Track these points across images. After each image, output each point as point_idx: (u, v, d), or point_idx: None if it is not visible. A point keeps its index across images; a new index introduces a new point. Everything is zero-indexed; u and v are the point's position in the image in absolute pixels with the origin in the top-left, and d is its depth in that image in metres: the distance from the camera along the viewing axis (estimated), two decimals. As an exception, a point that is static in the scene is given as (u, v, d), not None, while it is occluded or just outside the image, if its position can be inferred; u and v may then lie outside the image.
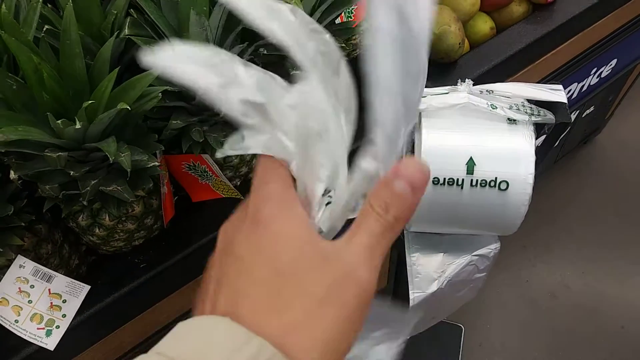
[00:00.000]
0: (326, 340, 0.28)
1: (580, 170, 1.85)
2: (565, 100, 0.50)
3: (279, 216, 0.30)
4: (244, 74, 0.34)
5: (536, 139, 0.51)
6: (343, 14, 0.80)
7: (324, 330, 0.28)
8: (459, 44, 0.87)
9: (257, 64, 0.67)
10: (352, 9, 0.80)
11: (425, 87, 0.55)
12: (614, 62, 1.37)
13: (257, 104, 0.33)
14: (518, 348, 1.48)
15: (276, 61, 0.70)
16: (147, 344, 0.80)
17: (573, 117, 1.48)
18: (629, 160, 1.86)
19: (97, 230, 0.66)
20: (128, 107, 0.51)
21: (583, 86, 1.35)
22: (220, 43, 0.63)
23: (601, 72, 1.37)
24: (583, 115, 1.53)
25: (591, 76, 1.34)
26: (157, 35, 0.63)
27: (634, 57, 1.48)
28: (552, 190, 1.79)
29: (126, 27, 0.62)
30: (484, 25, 0.99)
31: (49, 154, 0.52)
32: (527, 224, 1.64)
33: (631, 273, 1.61)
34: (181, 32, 0.63)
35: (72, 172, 0.55)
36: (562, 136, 1.52)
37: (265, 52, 0.67)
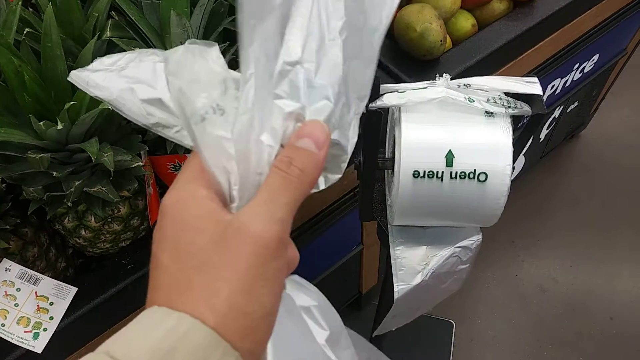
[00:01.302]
0: (231, 304, 0.28)
1: (566, 166, 1.87)
2: (540, 92, 0.51)
3: (180, 203, 0.31)
4: (154, 70, 0.35)
5: (514, 131, 0.52)
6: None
7: (227, 296, 0.28)
8: (441, 41, 0.88)
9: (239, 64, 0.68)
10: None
11: (406, 82, 0.56)
12: (596, 57, 1.38)
13: (155, 99, 0.35)
14: (509, 342, 1.49)
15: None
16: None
17: (557, 112, 1.50)
18: (614, 155, 1.88)
19: (83, 232, 0.66)
20: (109, 107, 0.51)
21: (566, 81, 1.37)
22: (201, 43, 0.64)
23: (584, 67, 1.38)
24: (568, 111, 1.55)
25: (574, 71, 1.35)
26: (138, 37, 0.63)
27: (616, 51, 1.49)
28: (538, 186, 1.80)
29: (108, 29, 0.63)
30: (465, 22, 1.00)
31: (31, 156, 0.53)
32: (514, 219, 1.66)
33: (618, 265, 1.63)
34: (163, 34, 0.63)
35: (55, 173, 0.55)
36: (547, 131, 1.54)
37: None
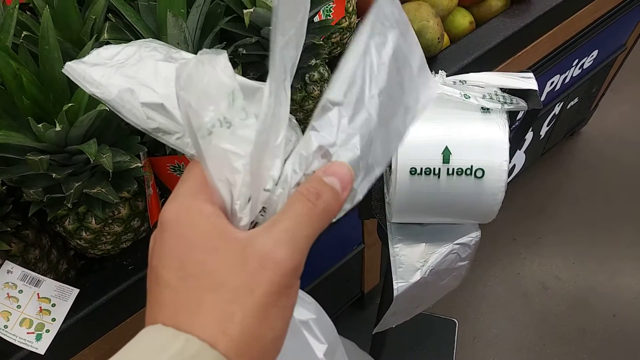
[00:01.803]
0: (244, 328, 0.28)
1: (567, 163, 1.86)
2: (536, 87, 0.51)
3: (185, 218, 0.30)
4: (156, 72, 0.35)
5: (510, 126, 0.52)
6: (321, 11, 0.81)
7: (241, 319, 0.28)
8: (438, 39, 0.88)
9: (237, 64, 0.68)
10: (331, 6, 0.80)
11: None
12: (595, 52, 1.38)
13: (157, 104, 0.34)
14: (512, 340, 1.49)
15: (256, 60, 0.71)
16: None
17: (557, 109, 1.49)
18: (615, 151, 1.88)
19: (84, 234, 0.67)
20: (107, 108, 0.52)
21: (566, 78, 1.37)
22: (198, 44, 0.64)
23: (583, 63, 1.38)
24: (568, 107, 1.55)
25: (573, 67, 1.35)
26: (136, 39, 0.63)
27: (615, 47, 1.49)
28: (540, 183, 1.80)
29: (105, 32, 0.63)
30: (463, 19, 1.00)
31: (30, 158, 0.53)
32: (516, 217, 1.66)
33: (620, 262, 1.63)
34: (160, 35, 0.64)
35: (54, 175, 0.55)
36: (548, 128, 1.54)
37: (244, 52, 0.68)
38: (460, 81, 0.54)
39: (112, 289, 0.69)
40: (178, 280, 0.29)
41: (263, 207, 0.33)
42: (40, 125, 0.52)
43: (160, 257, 0.30)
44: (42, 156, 0.53)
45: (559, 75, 1.32)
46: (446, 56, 0.94)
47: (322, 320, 0.44)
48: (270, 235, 0.29)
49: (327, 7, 0.80)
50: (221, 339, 0.27)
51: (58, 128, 0.52)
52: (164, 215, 0.31)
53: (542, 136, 1.57)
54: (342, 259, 1.18)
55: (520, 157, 1.56)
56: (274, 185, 0.32)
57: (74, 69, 0.37)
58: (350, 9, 0.86)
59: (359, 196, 0.34)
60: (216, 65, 0.33)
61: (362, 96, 0.33)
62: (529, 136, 1.48)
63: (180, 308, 0.28)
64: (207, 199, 0.31)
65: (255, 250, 0.29)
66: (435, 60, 0.93)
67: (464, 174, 0.51)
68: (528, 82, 0.52)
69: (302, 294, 0.46)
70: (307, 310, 0.44)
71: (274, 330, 0.29)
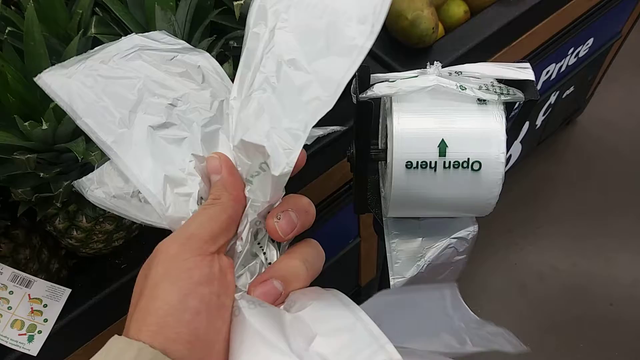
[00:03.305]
0: (142, 309, 0.33)
1: (564, 151, 1.86)
2: (533, 78, 0.50)
3: (163, 247, 0.35)
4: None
5: (507, 118, 0.51)
6: None
7: (142, 308, 0.33)
8: (433, 28, 0.87)
9: (228, 57, 0.67)
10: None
11: (398, 72, 0.55)
12: (590, 41, 1.38)
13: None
14: (510, 330, 1.49)
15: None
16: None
17: (553, 98, 1.49)
18: (611, 139, 1.88)
19: (75, 233, 0.66)
20: (95, 105, 0.50)
21: (561, 67, 1.36)
22: (188, 37, 0.63)
23: (578, 52, 1.37)
24: (563, 96, 1.54)
25: (569, 56, 1.34)
26: (124, 33, 0.62)
27: (610, 35, 1.48)
28: (536, 173, 1.80)
29: (92, 26, 0.62)
30: (457, 9, 0.99)
31: (17, 157, 0.52)
32: (512, 207, 1.66)
33: (617, 250, 1.63)
34: (149, 28, 0.62)
35: (42, 174, 0.54)
36: (544, 117, 1.53)
37: (235, 44, 0.66)
38: (455, 72, 0.52)
39: (104, 288, 0.68)
40: (141, 292, 0.35)
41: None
42: (27, 124, 0.51)
43: (142, 272, 0.37)
44: (29, 155, 0.52)
45: (554, 64, 1.31)
46: (441, 46, 0.93)
47: None
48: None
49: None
50: (135, 328, 0.32)
51: (45, 126, 0.50)
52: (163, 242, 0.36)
53: (538, 125, 1.56)
54: (339, 253, 1.18)
55: (516, 147, 1.55)
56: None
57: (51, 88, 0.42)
58: None
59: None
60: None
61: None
62: (525, 126, 1.47)
63: (139, 322, 0.33)
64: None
65: (156, 250, 0.36)
66: (430, 50, 0.92)
67: (460, 167, 0.50)
68: (525, 72, 0.50)
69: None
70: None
71: (167, 303, 0.32)
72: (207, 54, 0.47)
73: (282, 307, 0.37)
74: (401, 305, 0.42)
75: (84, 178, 0.42)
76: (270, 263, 0.39)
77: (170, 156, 0.39)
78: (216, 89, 0.44)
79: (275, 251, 0.40)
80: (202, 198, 0.39)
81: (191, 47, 0.47)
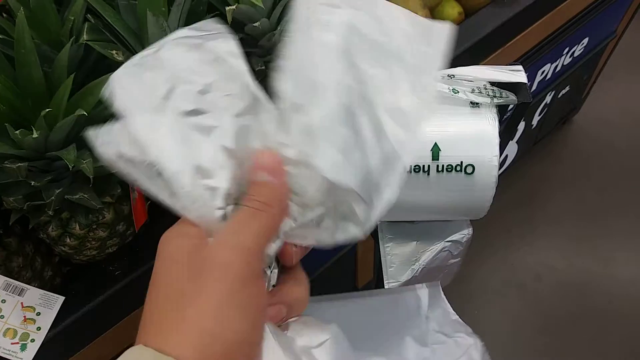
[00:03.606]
0: (202, 330, 0.28)
1: (560, 151, 1.86)
2: (525, 81, 0.50)
3: (173, 239, 0.32)
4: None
5: (501, 118, 0.51)
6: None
7: (196, 321, 0.29)
8: (427, 31, 0.87)
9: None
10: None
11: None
12: (585, 40, 1.37)
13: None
14: (507, 331, 1.49)
15: (241, 58, 0.70)
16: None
17: (549, 98, 1.49)
18: (607, 139, 1.88)
19: (68, 240, 0.65)
20: (85, 113, 0.50)
21: (557, 66, 1.36)
22: (180, 43, 0.62)
23: (574, 52, 1.37)
24: (559, 96, 1.54)
25: (564, 56, 1.34)
26: (116, 39, 0.62)
27: (606, 34, 1.48)
28: (533, 173, 1.80)
29: (84, 33, 0.61)
30: (452, 10, 0.98)
31: (8, 166, 0.51)
32: (510, 208, 1.65)
33: (614, 249, 1.62)
34: (141, 34, 0.62)
35: (33, 183, 0.54)
36: (540, 117, 1.53)
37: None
38: (448, 75, 0.52)
39: (98, 295, 0.68)
40: (151, 295, 0.31)
41: None
42: (17, 132, 0.51)
43: (152, 276, 0.32)
44: (20, 163, 0.52)
45: (549, 64, 1.31)
46: (435, 48, 0.93)
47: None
48: (217, 240, 0.31)
49: None
50: (178, 343, 0.28)
51: (36, 134, 0.50)
52: (161, 239, 0.33)
53: (534, 125, 1.56)
54: (335, 255, 1.17)
55: (512, 147, 1.55)
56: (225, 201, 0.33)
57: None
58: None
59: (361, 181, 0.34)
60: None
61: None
62: (521, 126, 1.47)
63: (147, 322, 0.30)
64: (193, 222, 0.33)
65: (206, 257, 0.30)
66: (424, 52, 0.92)
67: (453, 170, 0.50)
68: (517, 75, 0.50)
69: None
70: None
71: (237, 332, 0.29)
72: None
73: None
74: (365, 310, 0.42)
75: (99, 129, 0.38)
76: (273, 285, 0.37)
77: (198, 145, 0.35)
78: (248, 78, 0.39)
79: (276, 271, 0.38)
80: (230, 195, 0.34)
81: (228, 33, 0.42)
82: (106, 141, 0.36)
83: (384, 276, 0.58)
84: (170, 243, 0.32)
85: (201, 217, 0.33)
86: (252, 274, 0.31)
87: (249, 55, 0.69)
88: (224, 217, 0.33)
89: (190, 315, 0.29)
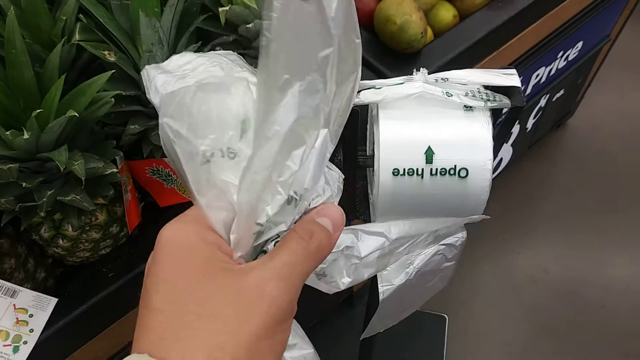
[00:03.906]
0: (234, 358, 0.27)
1: (555, 154, 1.86)
2: (519, 84, 0.50)
3: (185, 241, 0.30)
4: None
5: (495, 122, 0.51)
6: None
7: (232, 351, 0.27)
8: (422, 33, 0.87)
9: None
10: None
11: (388, 77, 0.55)
12: (579, 44, 1.38)
13: None
14: (503, 334, 1.49)
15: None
16: (122, 355, 0.78)
17: (543, 101, 1.49)
18: (602, 142, 1.88)
19: (61, 242, 0.65)
20: (76, 114, 0.50)
21: (551, 70, 1.36)
22: (174, 43, 0.62)
23: (568, 55, 1.38)
24: (553, 99, 1.54)
25: (558, 59, 1.35)
26: (108, 39, 0.61)
27: (600, 38, 1.49)
28: (527, 176, 1.80)
29: (76, 33, 0.61)
30: (446, 13, 0.98)
31: (-1, 167, 0.51)
32: (505, 210, 1.66)
33: (608, 253, 1.63)
34: (134, 34, 0.62)
35: (24, 184, 0.53)
36: (534, 120, 1.53)
37: (221, 50, 0.66)
38: (442, 79, 0.52)
39: (91, 297, 0.67)
40: (167, 304, 0.28)
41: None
42: (8, 132, 0.50)
43: (152, 276, 0.29)
44: (11, 164, 0.51)
45: (544, 68, 1.31)
46: (430, 51, 0.93)
47: None
48: (267, 269, 0.29)
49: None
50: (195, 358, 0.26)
51: (26, 135, 0.50)
52: (163, 235, 0.30)
53: (528, 129, 1.56)
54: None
55: (507, 151, 1.55)
56: (267, 221, 0.31)
57: (148, 73, 0.36)
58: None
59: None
60: (231, 90, 0.32)
61: None
62: (516, 129, 1.48)
63: (168, 334, 0.27)
64: (210, 227, 0.31)
65: (250, 282, 0.28)
66: (419, 55, 0.92)
67: (447, 174, 0.50)
68: (511, 78, 0.50)
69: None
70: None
71: None
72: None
73: None
74: None
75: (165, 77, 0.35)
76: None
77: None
78: None
79: None
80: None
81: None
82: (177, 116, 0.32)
83: (378, 280, 0.57)
84: (193, 250, 0.29)
85: (232, 225, 0.31)
86: (291, 311, 0.30)
87: (242, 57, 0.69)
88: (258, 235, 0.31)
89: (225, 341, 0.27)
